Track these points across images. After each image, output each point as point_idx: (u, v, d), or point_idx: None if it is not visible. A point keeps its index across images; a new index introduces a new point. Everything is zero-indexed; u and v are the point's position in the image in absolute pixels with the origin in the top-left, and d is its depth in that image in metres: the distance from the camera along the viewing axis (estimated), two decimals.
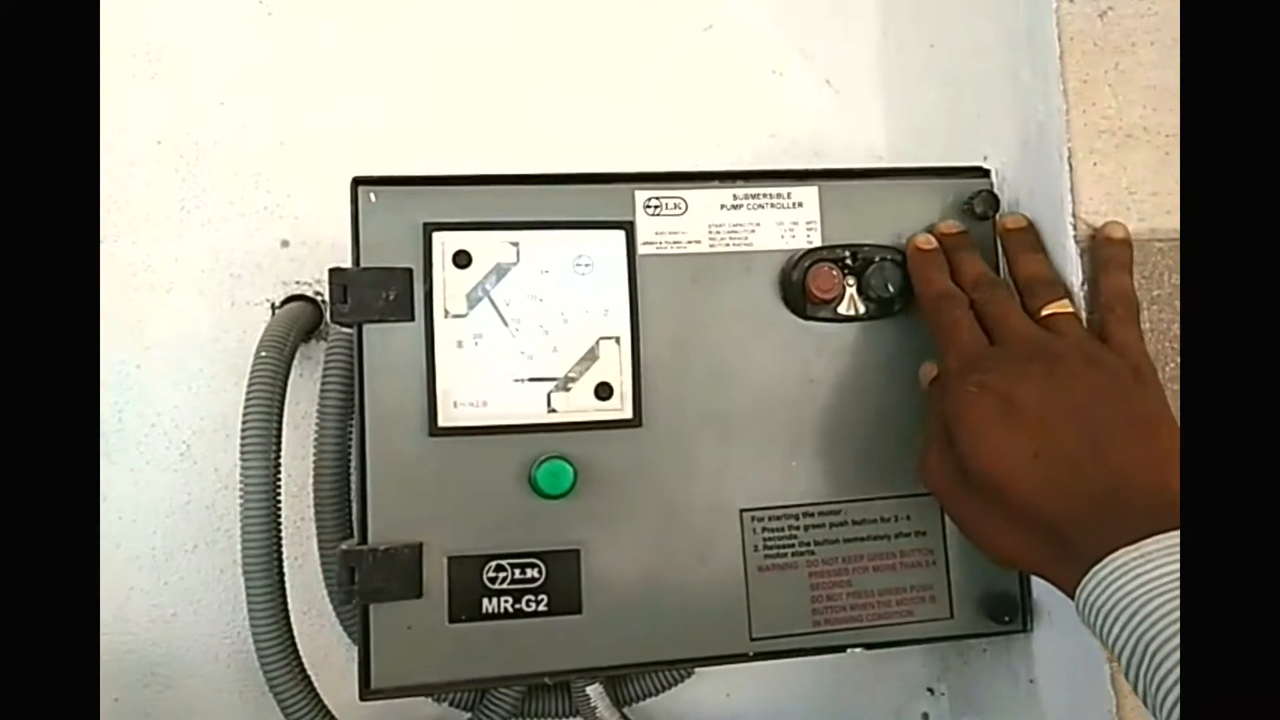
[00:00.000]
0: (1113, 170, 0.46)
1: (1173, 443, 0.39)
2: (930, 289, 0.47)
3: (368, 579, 0.44)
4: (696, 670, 0.57)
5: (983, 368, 0.42)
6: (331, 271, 0.45)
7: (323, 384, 0.53)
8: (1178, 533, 0.34)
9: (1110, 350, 0.42)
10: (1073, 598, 0.37)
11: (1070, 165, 0.46)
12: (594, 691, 0.55)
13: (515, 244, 0.47)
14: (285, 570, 0.50)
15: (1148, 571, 0.34)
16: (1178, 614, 0.32)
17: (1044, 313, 0.44)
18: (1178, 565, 0.33)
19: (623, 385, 0.47)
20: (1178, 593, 0.32)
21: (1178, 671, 0.31)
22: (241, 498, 0.49)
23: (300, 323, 0.55)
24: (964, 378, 0.42)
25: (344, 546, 0.44)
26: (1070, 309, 0.44)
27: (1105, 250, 0.45)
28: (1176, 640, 0.32)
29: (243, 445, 0.49)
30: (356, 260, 0.46)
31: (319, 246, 0.59)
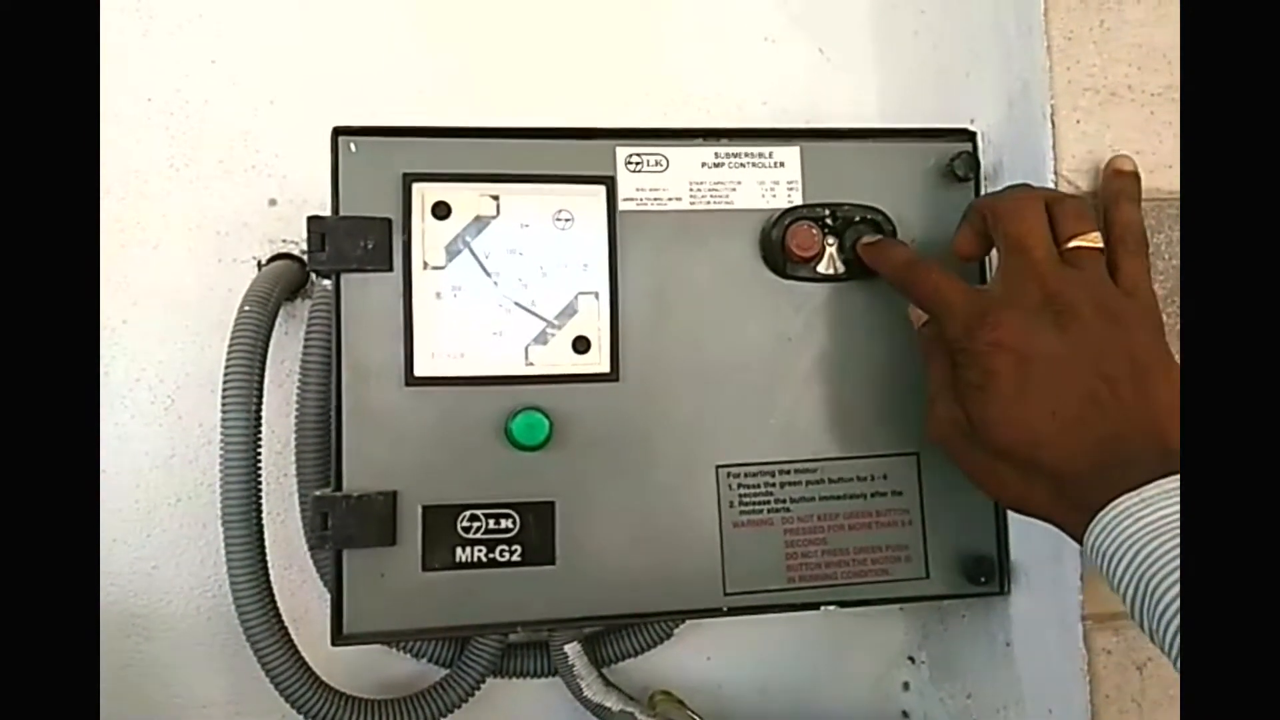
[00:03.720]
0: (1096, 128, 0.46)
1: (1174, 391, 0.40)
2: (893, 261, 0.46)
3: (340, 525, 0.44)
4: (676, 632, 0.57)
5: (989, 321, 0.40)
6: (310, 219, 0.45)
7: (306, 340, 0.53)
8: (1177, 477, 0.35)
9: (1122, 292, 0.41)
10: (1080, 543, 0.38)
11: (1053, 123, 0.46)
12: (572, 650, 0.55)
13: (495, 197, 0.47)
14: (267, 525, 0.51)
15: (1149, 514, 0.35)
16: (1177, 552, 0.33)
17: (1072, 244, 0.42)
18: (1177, 508, 0.34)
19: (601, 340, 0.47)
20: (1177, 533, 0.33)
21: (1177, 604, 0.32)
22: (221, 449, 0.49)
23: (285, 280, 0.55)
24: (973, 338, 0.41)
25: (318, 493, 0.44)
26: (1100, 244, 0.42)
27: (1114, 183, 0.44)
28: (1175, 575, 0.33)
29: (224, 397, 0.50)
30: (336, 209, 0.46)
31: (306, 205, 0.58)
